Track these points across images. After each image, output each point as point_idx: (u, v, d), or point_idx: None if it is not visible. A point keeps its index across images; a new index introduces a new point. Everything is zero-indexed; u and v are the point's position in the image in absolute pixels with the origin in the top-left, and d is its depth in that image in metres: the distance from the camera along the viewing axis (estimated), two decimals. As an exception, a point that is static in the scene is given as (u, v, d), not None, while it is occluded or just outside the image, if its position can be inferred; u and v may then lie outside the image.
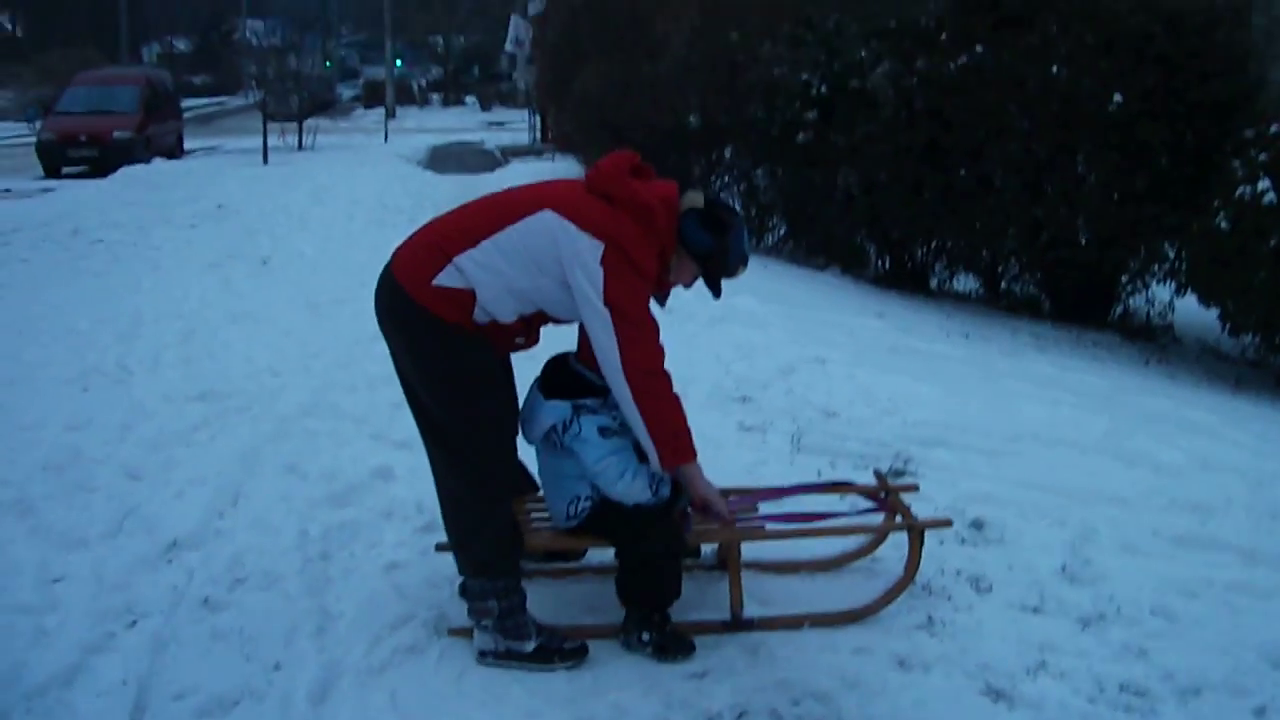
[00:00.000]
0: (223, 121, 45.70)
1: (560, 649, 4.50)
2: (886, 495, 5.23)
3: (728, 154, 17.91)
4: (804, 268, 15.55)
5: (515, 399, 4.47)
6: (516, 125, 42.37)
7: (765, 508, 5.13)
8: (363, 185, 20.21)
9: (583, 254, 4.09)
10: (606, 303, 4.11)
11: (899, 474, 5.87)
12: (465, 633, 4.61)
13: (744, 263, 4.57)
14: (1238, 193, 11.21)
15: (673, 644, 4.58)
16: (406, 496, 5.96)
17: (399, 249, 4.31)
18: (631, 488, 4.43)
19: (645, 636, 4.57)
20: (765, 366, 8.71)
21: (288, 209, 16.75)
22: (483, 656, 4.49)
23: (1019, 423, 7.46)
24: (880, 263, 16.11)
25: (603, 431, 4.43)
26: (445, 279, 4.12)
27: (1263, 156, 11.12)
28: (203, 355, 8.66)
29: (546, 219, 4.14)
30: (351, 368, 8.42)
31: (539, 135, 36.16)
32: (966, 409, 7.69)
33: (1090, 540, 5.72)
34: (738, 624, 4.77)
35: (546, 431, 4.48)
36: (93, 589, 4.99)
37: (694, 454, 4.43)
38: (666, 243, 4.31)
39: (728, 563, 4.90)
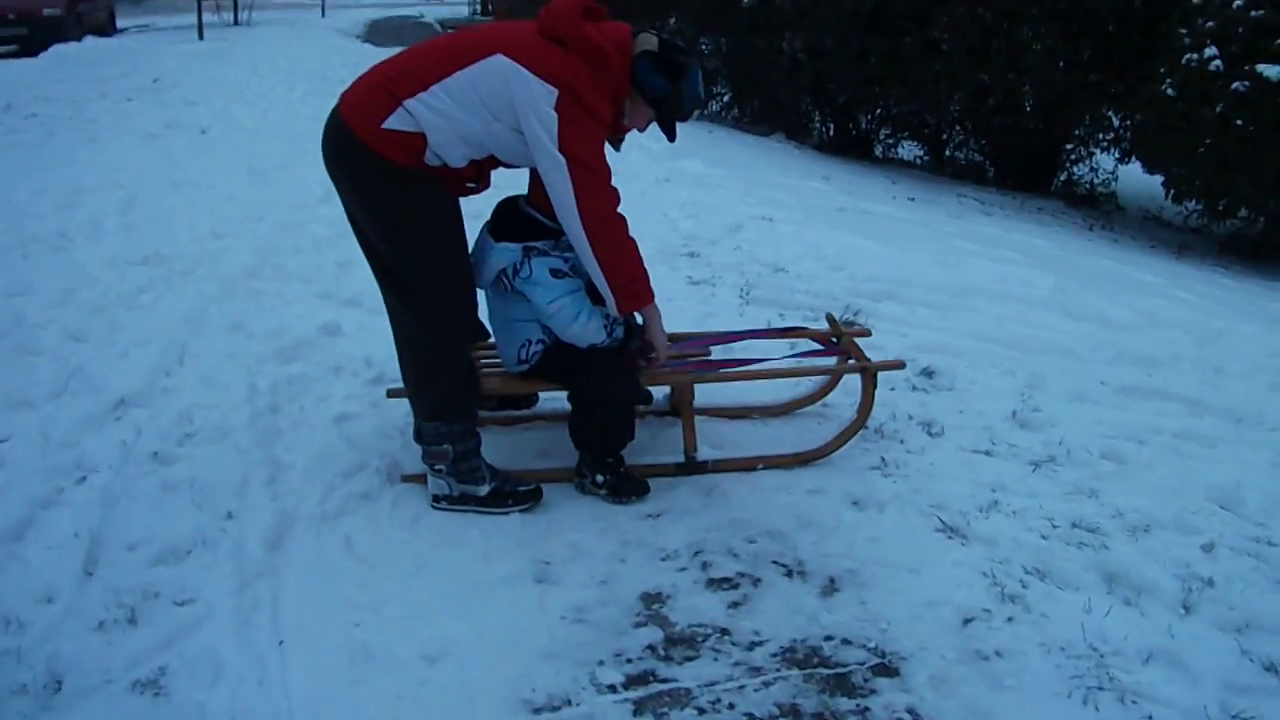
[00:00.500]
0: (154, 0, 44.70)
1: (515, 492, 4.51)
2: (839, 339, 5.23)
3: (673, 21, 17.76)
4: (749, 134, 15.50)
5: (466, 243, 4.40)
6: (455, -1, 41.83)
7: (718, 352, 5.14)
8: (301, 58, 19.84)
9: (537, 100, 3.99)
10: (562, 150, 4.03)
11: (849, 324, 5.89)
12: (419, 479, 4.61)
13: (699, 105, 4.52)
14: (1184, 59, 11.25)
15: (627, 486, 4.60)
16: (355, 351, 5.92)
17: (346, 92, 4.20)
18: (586, 329, 4.40)
19: (600, 479, 4.59)
20: (712, 224, 8.71)
21: (225, 81, 16.43)
22: (437, 501, 4.50)
23: (967, 279, 7.50)
24: (825, 129, 16.11)
25: (554, 273, 4.38)
26: (395, 122, 4.01)
27: (1209, 24, 11.14)
28: (144, 221, 8.50)
29: (499, 63, 4.02)
30: (296, 230, 8.31)
31: (479, 7, 35.71)
32: (915, 265, 7.72)
33: (1039, 389, 5.79)
34: (691, 466, 4.80)
35: (497, 275, 4.42)
36: (40, 447, 4.93)
37: (651, 297, 4.41)
38: (620, 87, 4.21)
39: (680, 406, 4.92)
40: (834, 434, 5.00)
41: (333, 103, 4.22)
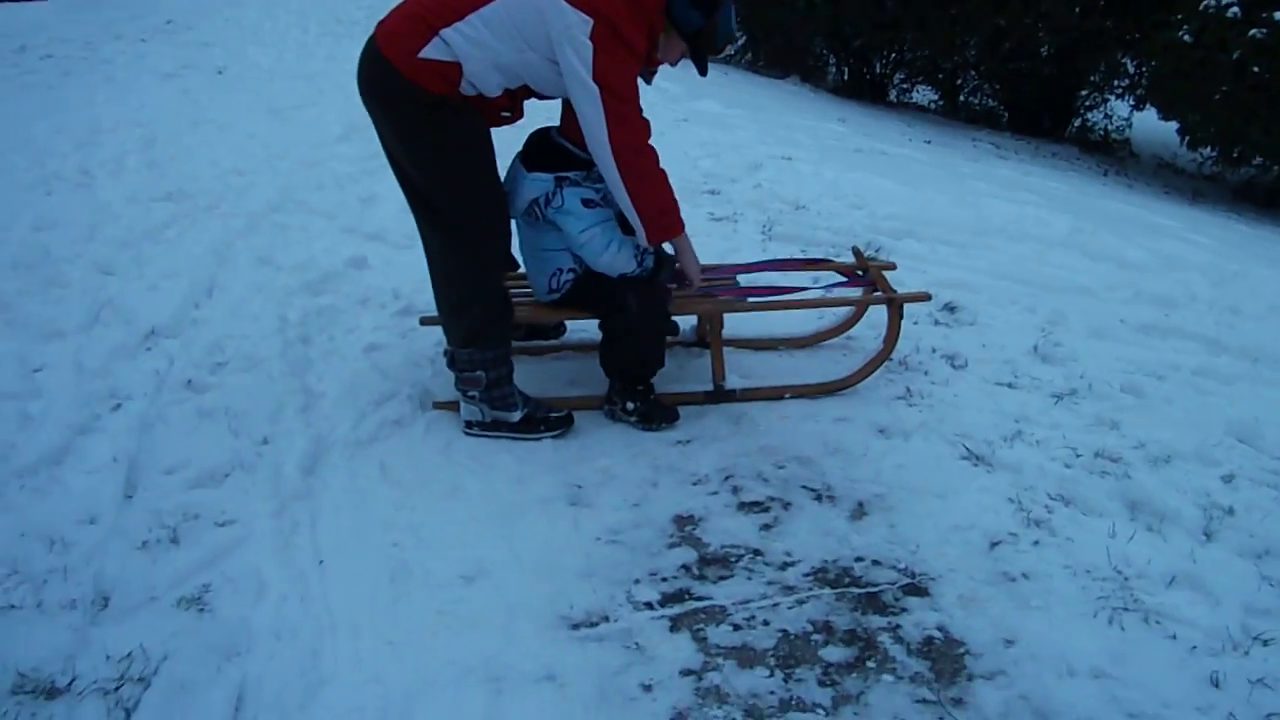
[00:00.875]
0: (162, -57, 44.43)
1: (546, 418, 4.58)
2: (864, 272, 5.28)
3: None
4: (764, 77, 15.47)
5: (499, 172, 4.43)
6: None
7: (744, 281, 5.17)
8: (314, 0, 19.77)
9: (572, 29, 3.99)
10: (595, 79, 4.03)
11: (873, 260, 5.92)
12: (450, 406, 4.68)
13: (731, 40, 4.53)
14: (1202, 5, 11.21)
15: (657, 413, 4.66)
16: (382, 284, 5.99)
17: (383, 22, 4.20)
18: (617, 258, 4.44)
19: (630, 406, 4.65)
20: (732, 163, 8.74)
21: (239, 23, 16.35)
22: (469, 427, 4.56)
23: (985, 218, 7.54)
24: (840, 73, 16.06)
25: (586, 203, 4.41)
26: (431, 52, 4.02)
27: (1228, -30, 11.11)
28: (166, 159, 8.53)
29: None
30: (318, 167, 8.36)
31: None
32: (934, 204, 7.76)
33: (1059, 325, 5.85)
34: (720, 394, 4.86)
35: (528, 205, 4.45)
36: (74, 376, 4.99)
37: (682, 227, 4.44)
38: (655, 20, 4.21)
39: (709, 335, 4.98)
40: (859, 365, 5.06)
41: (348, 45, 4.24)
